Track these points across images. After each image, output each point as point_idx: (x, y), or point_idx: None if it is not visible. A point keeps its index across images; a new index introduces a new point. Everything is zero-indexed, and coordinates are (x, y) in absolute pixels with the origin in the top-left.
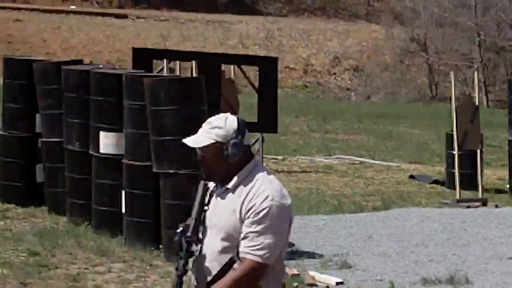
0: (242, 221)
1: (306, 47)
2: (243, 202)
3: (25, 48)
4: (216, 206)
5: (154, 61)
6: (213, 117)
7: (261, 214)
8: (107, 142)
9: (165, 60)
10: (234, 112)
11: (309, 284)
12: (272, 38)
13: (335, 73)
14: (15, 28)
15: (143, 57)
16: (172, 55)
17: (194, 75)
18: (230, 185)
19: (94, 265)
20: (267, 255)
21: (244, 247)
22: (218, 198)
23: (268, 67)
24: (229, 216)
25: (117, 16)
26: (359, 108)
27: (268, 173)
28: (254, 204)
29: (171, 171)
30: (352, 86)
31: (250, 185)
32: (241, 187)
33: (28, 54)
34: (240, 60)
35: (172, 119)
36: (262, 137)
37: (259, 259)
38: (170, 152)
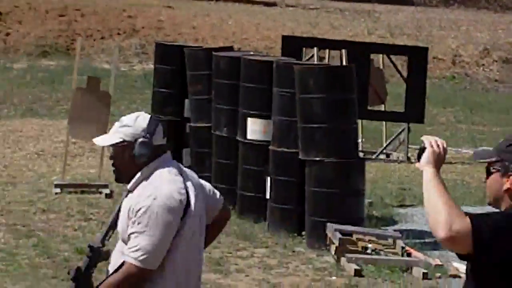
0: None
1: (455, 38)
2: (132, 202)
3: (174, 35)
4: (122, 209)
5: (304, 49)
6: (125, 116)
7: (140, 212)
8: (255, 129)
9: (315, 48)
10: (381, 101)
11: (452, 275)
12: (421, 28)
13: (483, 65)
14: (166, 14)
15: (293, 45)
16: (322, 43)
17: (344, 63)
18: (129, 185)
19: (237, 250)
20: (142, 257)
21: (125, 249)
22: (124, 200)
23: (418, 57)
24: (123, 218)
25: (267, 4)
26: (507, 100)
27: (178, 172)
28: (137, 203)
29: (318, 159)
30: (500, 78)
31: (144, 183)
32: (139, 186)
33: (178, 40)
34: (389, 49)
35: (321, 107)
36: (409, 127)
37: (134, 262)
38: (317, 140)
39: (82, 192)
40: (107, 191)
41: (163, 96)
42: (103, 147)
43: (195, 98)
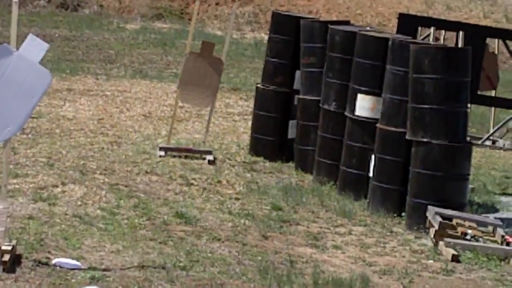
0: None
1: None
2: None
3: (289, 5)
4: None
5: (419, 28)
6: None
7: None
8: (364, 105)
9: (432, 28)
10: (492, 87)
11: None
12: None
13: None
14: None
15: (409, 23)
16: (439, 23)
17: (460, 45)
18: None
19: (335, 226)
20: None
21: None
22: None
23: None
24: None
25: None
26: None
27: None
28: None
29: (425, 140)
30: None
31: None
32: None
33: (292, 11)
34: (507, 34)
35: (434, 88)
36: None
37: None
38: (427, 121)
39: (186, 156)
40: (210, 157)
41: (274, 65)
42: (210, 113)
43: (306, 70)
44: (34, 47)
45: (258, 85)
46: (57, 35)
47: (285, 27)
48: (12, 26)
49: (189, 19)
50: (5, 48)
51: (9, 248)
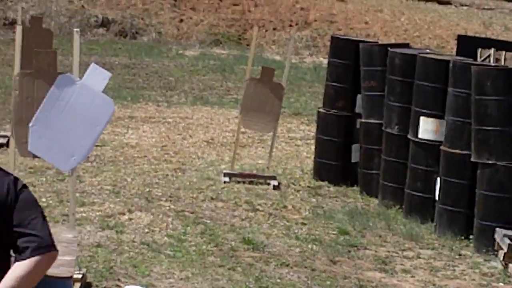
0: None
1: None
2: None
3: (346, 29)
4: None
5: (479, 49)
6: None
7: None
8: (427, 128)
9: (492, 50)
10: None
11: None
12: None
13: None
14: (338, 8)
15: (469, 45)
16: (499, 44)
17: None
18: None
19: (403, 250)
20: None
21: None
22: None
23: None
24: None
25: (440, 2)
26: None
27: None
28: None
29: (490, 162)
30: None
31: None
32: None
33: (350, 34)
34: None
35: (497, 110)
36: None
37: None
38: (491, 143)
39: (250, 182)
40: (275, 182)
41: (335, 90)
42: (273, 138)
43: (367, 94)
44: (97, 76)
45: (320, 110)
46: (116, 62)
47: (345, 51)
48: (74, 55)
49: (247, 45)
50: (68, 77)
51: (80, 276)
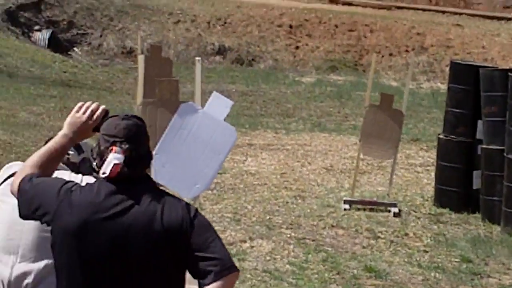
0: None
1: None
2: None
3: (463, 54)
4: None
5: None
6: None
7: None
8: None
9: None
10: None
11: None
12: None
13: None
14: (455, 32)
15: None
16: None
17: None
18: None
19: None
20: None
21: None
22: None
23: None
24: None
25: None
26: None
27: None
28: None
29: None
30: None
31: None
32: None
33: (467, 59)
34: None
35: None
36: None
37: None
38: None
39: (371, 209)
40: (395, 210)
41: (455, 116)
42: (393, 165)
43: (488, 119)
44: (219, 104)
45: (440, 136)
46: (234, 90)
47: (464, 76)
48: (196, 84)
49: (363, 71)
50: (190, 106)
51: None
